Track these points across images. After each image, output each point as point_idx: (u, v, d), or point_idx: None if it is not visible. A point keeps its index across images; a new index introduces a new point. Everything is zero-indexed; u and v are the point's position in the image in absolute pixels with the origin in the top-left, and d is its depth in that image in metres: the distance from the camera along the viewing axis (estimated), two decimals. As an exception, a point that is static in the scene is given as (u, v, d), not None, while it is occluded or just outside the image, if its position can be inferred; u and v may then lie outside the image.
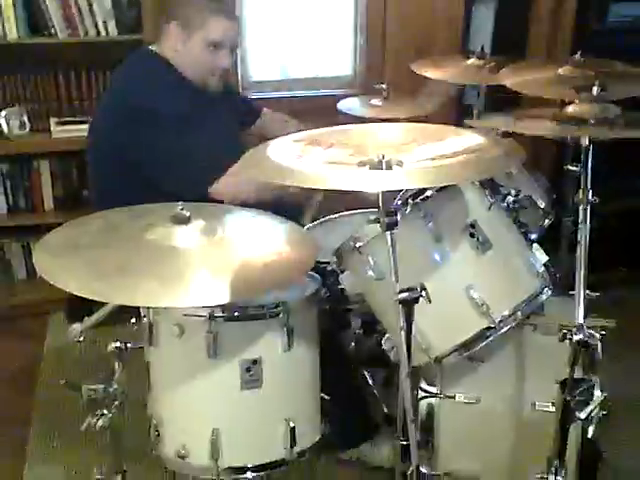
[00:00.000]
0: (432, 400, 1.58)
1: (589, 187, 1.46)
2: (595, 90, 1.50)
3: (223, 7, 2.01)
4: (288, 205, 1.94)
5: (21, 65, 2.74)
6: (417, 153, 1.31)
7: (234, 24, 2.03)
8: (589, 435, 1.34)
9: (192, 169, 1.86)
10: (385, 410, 2.09)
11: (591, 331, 1.33)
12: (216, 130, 1.97)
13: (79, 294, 1.17)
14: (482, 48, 2.45)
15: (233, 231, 1.42)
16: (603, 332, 1.43)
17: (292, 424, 1.45)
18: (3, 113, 2.69)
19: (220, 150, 1.91)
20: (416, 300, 1.27)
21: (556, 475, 1.34)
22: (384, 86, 2.48)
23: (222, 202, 1.81)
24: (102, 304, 1.51)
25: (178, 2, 2.00)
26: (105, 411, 1.45)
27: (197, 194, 1.80)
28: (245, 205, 1.68)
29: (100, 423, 1.44)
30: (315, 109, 2.74)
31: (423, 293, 1.27)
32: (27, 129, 2.75)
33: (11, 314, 2.78)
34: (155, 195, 1.55)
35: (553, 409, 1.41)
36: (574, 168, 1.58)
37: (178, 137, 1.86)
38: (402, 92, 2.54)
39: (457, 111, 3.05)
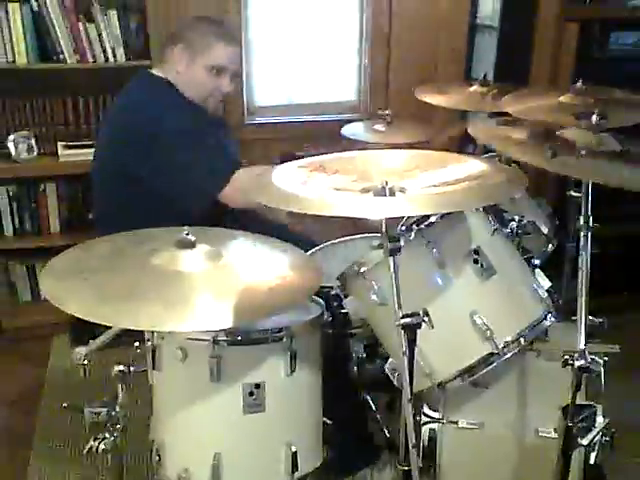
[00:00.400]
0: (435, 425, 1.58)
1: (590, 213, 1.47)
2: (594, 119, 1.51)
3: (228, 33, 2.07)
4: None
5: (30, 90, 2.78)
6: (420, 180, 1.33)
7: (237, 50, 2.10)
8: (591, 461, 1.33)
9: (194, 180, 1.92)
10: (387, 435, 2.08)
11: (593, 357, 1.33)
12: (217, 144, 2.03)
13: (84, 318, 1.18)
14: (485, 75, 2.49)
15: (237, 256, 1.43)
16: (606, 358, 1.44)
17: (294, 448, 1.45)
18: (11, 137, 2.73)
19: (221, 161, 1.97)
20: (418, 325, 1.28)
21: (559, 502, 1.34)
22: (387, 112, 2.51)
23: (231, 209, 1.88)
24: (107, 327, 1.52)
25: (184, 26, 2.07)
26: (107, 434, 1.45)
27: (200, 204, 1.88)
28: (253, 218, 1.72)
29: (102, 446, 1.44)
30: (319, 134, 2.77)
31: (425, 318, 1.28)
32: (35, 153, 2.78)
33: (15, 336, 2.79)
34: (159, 214, 1.57)
35: (556, 435, 1.41)
36: (576, 194, 1.59)
37: (180, 152, 1.91)
38: (405, 118, 2.57)
39: (460, 138, 3.08)
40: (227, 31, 2.07)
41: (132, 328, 1.23)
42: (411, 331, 1.27)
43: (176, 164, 1.91)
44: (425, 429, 1.58)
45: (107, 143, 2.08)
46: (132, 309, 1.23)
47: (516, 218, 1.70)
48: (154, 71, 2.10)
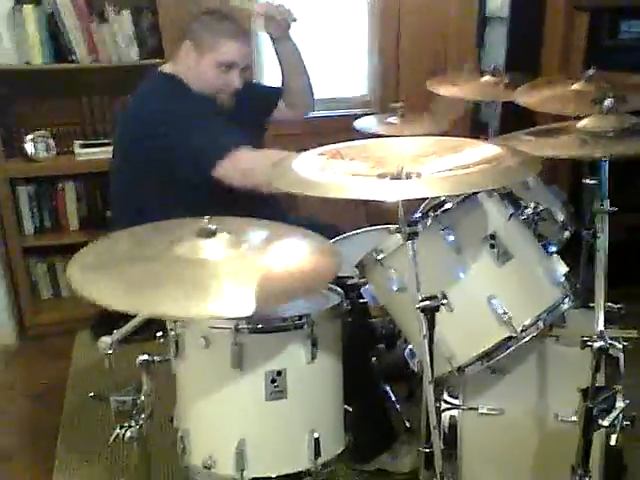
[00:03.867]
0: (455, 412, 1.59)
1: (606, 196, 1.48)
2: (610, 101, 1.52)
3: (236, 29, 2.05)
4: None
5: (46, 90, 2.82)
6: (435, 164, 1.34)
7: (245, 45, 2.08)
8: (612, 442, 1.34)
9: (193, 149, 1.88)
10: (407, 424, 2.10)
11: (612, 341, 1.34)
12: (221, 126, 1.99)
13: (112, 307, 1.21)
14: (495, 66, 2.49)
15: (258, 243, 1.45)
16: (625, 343, 1.44)
17: (316, 435, 1.47)
18: (30, 137, 2.77)
19: (222, 138, 1.92)
20: (437, 308, 1.29)
21: (580, 482, 1.35)
22: (399, 104, 2.52)
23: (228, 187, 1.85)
24: (128, 321, 1.54)
25: (193, 22, 2.06)
26: (133, 422, 1.47)
27: (199, 174, 1.86)
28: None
29: (128, 434, 1.46)
30: (333, 128, 2.79)
31: (444, 301, 1.29)
32: (53, 152, 2.83)
33: (38, 333, 2.83)
34: (172, 209, 1.59)
35: (576, 419, 1.42)
36: (592, 181, 1.60)
37: (191, 130, 1.90)
38: (417, 110, 2.58)
39: (473, 128, 3.09)
40: (237, 27, 2.06)
41: (158, 315, 1.25)
42: (430, 314, 1.29)
43: (188, 142, 1.89)
44: (445, 415, 1.59)
45: (121, 143, 2.12)
46: (157, 297, 1.24)
47: (532, 205, 1.70)
48: (164, 67, 2.12)
